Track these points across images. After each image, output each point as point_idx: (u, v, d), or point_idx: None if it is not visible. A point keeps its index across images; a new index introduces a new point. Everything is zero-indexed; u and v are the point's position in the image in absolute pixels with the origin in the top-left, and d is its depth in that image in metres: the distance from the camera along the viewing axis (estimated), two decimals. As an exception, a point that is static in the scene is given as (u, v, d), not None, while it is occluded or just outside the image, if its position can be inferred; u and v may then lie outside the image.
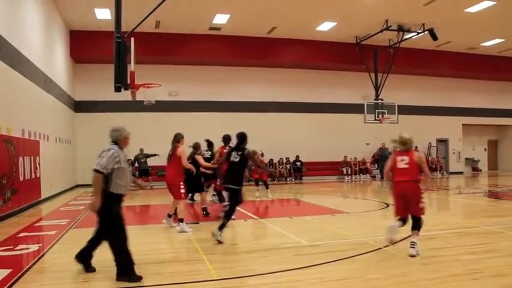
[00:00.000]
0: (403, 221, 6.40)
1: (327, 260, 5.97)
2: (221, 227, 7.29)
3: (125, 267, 5.27)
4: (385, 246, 6.64)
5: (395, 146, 6.61)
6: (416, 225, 6.27)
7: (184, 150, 9.03)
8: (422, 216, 6.26)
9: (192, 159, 10.53)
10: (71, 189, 19.25)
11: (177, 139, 9.09)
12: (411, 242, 6.21)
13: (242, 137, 7.70)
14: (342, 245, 7.08)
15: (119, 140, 5.51)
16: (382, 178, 24.42)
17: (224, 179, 8.08)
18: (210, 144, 12.96)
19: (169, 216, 9.10)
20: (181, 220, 8.55)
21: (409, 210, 6.31)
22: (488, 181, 23.06)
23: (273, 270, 5.57)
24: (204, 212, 10.57)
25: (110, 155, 5.26)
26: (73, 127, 20.87)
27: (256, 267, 5.77)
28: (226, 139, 10.62)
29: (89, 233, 8.68)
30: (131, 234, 8.43)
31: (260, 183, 15.09)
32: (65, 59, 18.99)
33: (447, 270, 5.44)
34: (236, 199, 7.51)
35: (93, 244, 5.61)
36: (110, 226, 5.36)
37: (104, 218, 5.38)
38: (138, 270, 5.69)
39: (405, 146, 6.45)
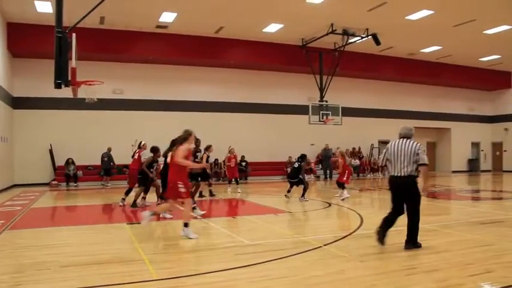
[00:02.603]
0: None
1: (268, 259, 6.02)
2: None
3: (415, 237, 6.66)
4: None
5: None
6: None
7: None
8: None
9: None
10: (7, 189, 18.41)
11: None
12: None
13: None
14: (284, 243, 7.15)
15: (412, 136, 6.85)
16: (326, 178, 24.94)
17: None
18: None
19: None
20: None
21: None
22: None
23: (213, 269, 5.55)
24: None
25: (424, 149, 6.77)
26: (11, 124, 19.96)
27: (197, 266, 5.74)
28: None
29: (26, 234, 8.42)
30: (72, 235, 8.24)
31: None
32: (1, 52, 18.11)
33: (384, 267, 5.63)
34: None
35: (391, 223, 6.77)
36: (418, 202, 6.67)
37: (415, 195, 6.66)
38: (76, 271, 5.56)
39: None
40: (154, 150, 11.75)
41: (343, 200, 13.52)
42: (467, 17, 19.15)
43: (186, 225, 7.51)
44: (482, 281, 5.04)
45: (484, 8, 18.14)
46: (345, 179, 14.22)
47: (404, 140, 6.77)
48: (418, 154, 6.56)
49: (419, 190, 6.68)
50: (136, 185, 12.18)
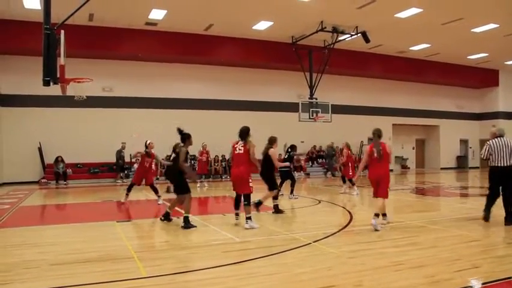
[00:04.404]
0: None
1: (257, 256, 6.05)
2: None
3: None
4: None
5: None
6: None
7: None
8: None
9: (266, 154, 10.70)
10: (-4, 187, 18.30)
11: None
12: None
13: None
14: (273, 241, 7.18)
15: (505, 134, 8.49)
16: (328, 172, 25.19)
17: None
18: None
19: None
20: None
21: None
22: (416, 178, 24.16)
23: (202, 266, 5.55)
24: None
25: None
26: (-2, 122, 19.82)
27: (187, 264, 5.75)
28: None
29: (15, 232, 8.36)
30: (61, 233, 8.20)
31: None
32: (-12, 49, 17.92)
33: (371, 263, 5.65)
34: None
35: (493, 203, 8.60)
36: None
37: None
38: (66, 270, 5.54)
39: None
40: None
41: (357, 194, 14.41)
42: (456, 16, 19.32)
43: (378, 215, 8.03)
44: (469, 276, 5.10)
45: (472, 7, 18.31)
46: (350, 173, 14.81)
47: (502, 138, 8.43)
48: None
49: None
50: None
